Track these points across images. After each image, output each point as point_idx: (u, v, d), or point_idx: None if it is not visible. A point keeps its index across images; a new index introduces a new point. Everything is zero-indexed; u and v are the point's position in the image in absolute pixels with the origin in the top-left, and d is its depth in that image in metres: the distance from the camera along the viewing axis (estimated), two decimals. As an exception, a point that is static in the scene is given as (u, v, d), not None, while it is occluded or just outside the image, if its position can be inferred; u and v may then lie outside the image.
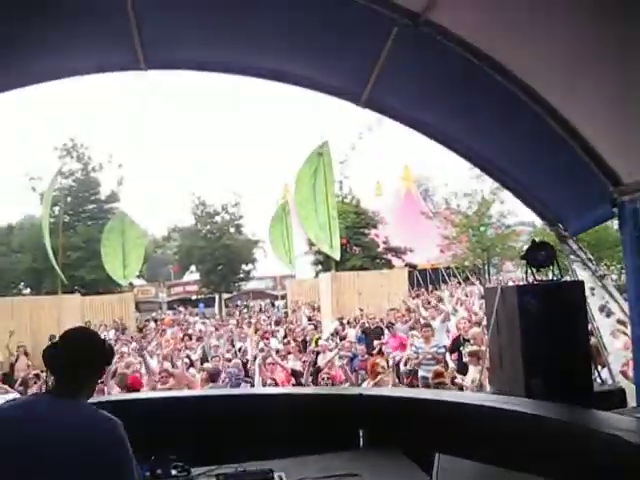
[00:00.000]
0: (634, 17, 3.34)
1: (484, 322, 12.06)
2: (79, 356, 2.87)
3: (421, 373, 12.43)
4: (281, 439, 4.24)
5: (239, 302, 52.35)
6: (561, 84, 4.35)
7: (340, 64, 5.57)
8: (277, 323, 22.95)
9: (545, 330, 4.71)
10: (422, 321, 15.12)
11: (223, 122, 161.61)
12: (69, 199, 39.24)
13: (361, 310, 18.27)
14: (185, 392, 8.92)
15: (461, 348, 12.51)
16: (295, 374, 11.76)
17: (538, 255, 5.33)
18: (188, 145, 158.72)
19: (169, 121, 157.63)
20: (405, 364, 12.82)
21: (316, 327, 20.21)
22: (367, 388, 6.50)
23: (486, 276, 50.51)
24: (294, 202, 23.74)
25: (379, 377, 10.49)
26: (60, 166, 41.27)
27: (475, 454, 3.44)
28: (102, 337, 3.27)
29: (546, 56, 4.08)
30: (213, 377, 10.93)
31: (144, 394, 7.93)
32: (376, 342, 14.74)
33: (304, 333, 19.21)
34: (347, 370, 12.18)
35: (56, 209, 33.03)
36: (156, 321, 33.50)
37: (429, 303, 20.61)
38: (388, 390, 6.48)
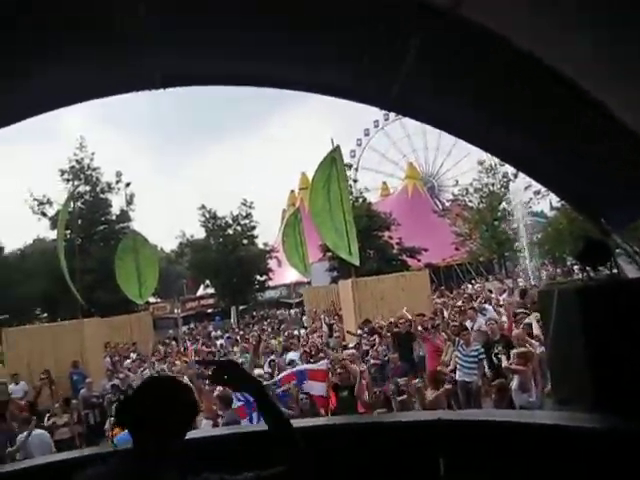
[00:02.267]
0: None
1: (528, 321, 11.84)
2: (162, 411, 2.45)
3: (461, 378, 12.17)
4: (350, 474, 3.98)
5: (254, 312, 52.15)
6: (605, 77, 4.08)
7: (365, 68, 5.30)
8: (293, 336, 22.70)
9: (614, 333, 4.43)
10: (452, 323, 14.87)
11: (228, 130, 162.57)
12: (80, 221, 39.08)
13: (382, 317, 17.89)
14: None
15: (493, 350, 12.23)
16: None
17: (595, 254, 5.05)
18: (196, 157, 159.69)
19: (176, 133, 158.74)
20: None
21: (340, 335, 20.02)
22: (446, 412, 6.22)
23: (502, 271, 50.34)
24: (309, 210, 23.47)
25: (443, 387, 10.26)
26: (73, 189, 41.33)
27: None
28: (184, 384, 2.90)
29: (594, 52, 3.80)
30: (226, 403, 10.62)
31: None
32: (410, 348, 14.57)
33: (326, 342, 19.05)
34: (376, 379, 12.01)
35: (67, 232, 32.95)
36: (175, 339, 33.34)
37: (454, 303, 20.28)
38: (469, 413, 6.18)
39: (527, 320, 11.96)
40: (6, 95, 4.19)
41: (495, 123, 5.61)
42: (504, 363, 10.54)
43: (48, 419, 13.73)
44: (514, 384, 9.65)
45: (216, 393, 11.59)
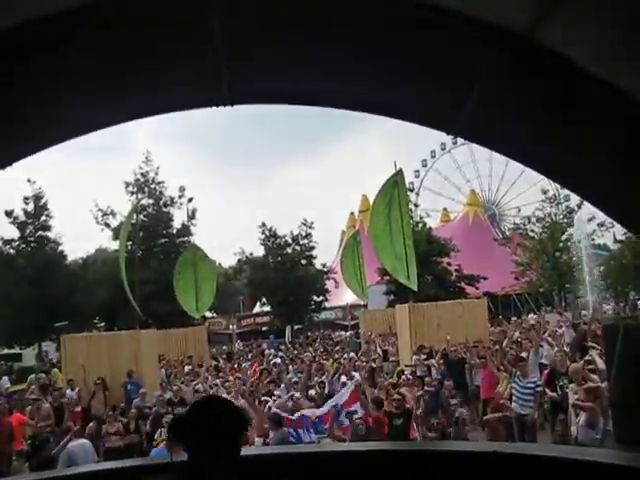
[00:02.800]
0: None
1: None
2: (211, 431, 2.52)
3: (517, 410, 11.90)
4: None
5: (309, 333, 52.08)
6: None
7: (435, 92, 5.20)
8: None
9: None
10: (509, 353, 14.62)
11: (291, 150, 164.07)
12: (141, 234, 39.70)
13: (445, 348, 17.56)
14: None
15: (557, 382, 11.97)
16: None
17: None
18: (258, 175, 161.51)
19: (239, 151, 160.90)
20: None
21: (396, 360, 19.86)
22: (503, 444, 6.05)
23: (562, 303, 49.39)
24: (369, 232, 23.39)
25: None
26: (137, 202, 42.07)
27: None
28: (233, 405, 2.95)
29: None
30: (276, 423, 10.56)
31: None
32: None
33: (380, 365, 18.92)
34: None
35: (129, 243, 33.44)
36: (229, 355, 33.44)
37: (512, 334, 19.94)
38: (524, 447, 6.02)
39: (588, 356, 11.69)
40: (90, 107, 4.25)
41: (566, 153, 5.46)
42: (571, 398, 10.29)
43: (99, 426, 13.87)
44: (581, 420, 9.41)
45: (267, 414, 11.62)
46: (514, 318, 35.14)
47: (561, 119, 4.69)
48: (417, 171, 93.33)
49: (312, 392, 14.64)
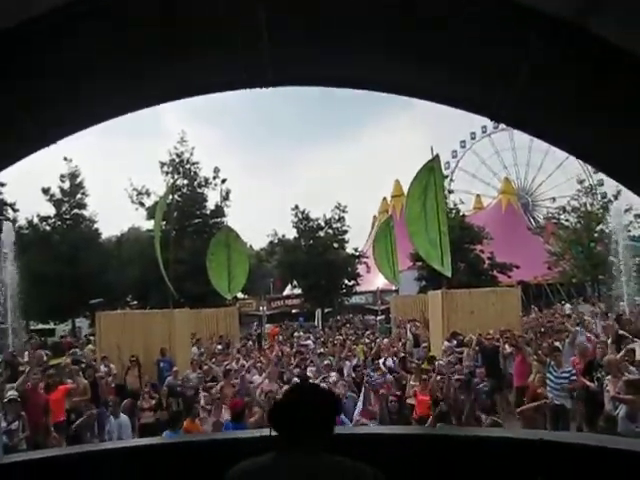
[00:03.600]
0: None
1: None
2: (308, 416, 2.75)
3: (551, 401, 11.81)
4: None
5: (339, 316, 52.10)
6: None
7: (477, 76, 5.14)
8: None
9: None
10: (544, 343, 14.51)
11: (325, 133, 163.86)
12: (175, 214, 39.95)
13: (480, 334, 17.43)
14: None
15: (595, 374, 11.85)
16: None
17: None
18: (293, 158, 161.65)
19: (274, 134, 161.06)
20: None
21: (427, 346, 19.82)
22: (547, 433, 6.03)
23: (595, 294, 48.85)
24: (405, 217, 23.27)
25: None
26: (172, 182, 42.31)
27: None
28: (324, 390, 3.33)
29: None
30: None
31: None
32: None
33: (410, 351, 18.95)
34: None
35: (163, 223, 33.65)
36: (260, 336, 33.59)
37: (548, 323, 19.80)
38: (571, 436, 6.00)
39: (630, 346, 11.55)
40: (133, 86, 4.27)
41: (611, 139, 5.38)
42: (611, 391, 10.19)
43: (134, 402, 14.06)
44: (622, 412, 9.32)
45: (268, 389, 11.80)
46: (546, 308, 34.92)
47: (599, 104, 4.63)
48: (455, 151, 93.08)
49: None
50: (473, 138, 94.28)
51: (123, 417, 12.46)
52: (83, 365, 16.79)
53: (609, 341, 13.70)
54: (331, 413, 2.87)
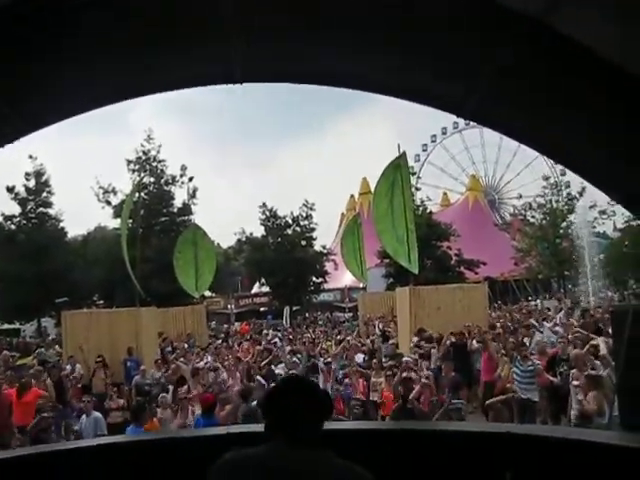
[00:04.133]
0: None
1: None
2: (305, 409, 2.68)
3: (517, 394, 11.96)
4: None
5: (307, 314, 52.16)
6: None
7: (446, 73, 5.18)
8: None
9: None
10: (511, 339, 14.65)
11: (292, 131, 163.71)
12: (142, 212, 39.64)
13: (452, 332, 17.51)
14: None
15: (558, 368, 12.04)
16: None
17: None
18: (260, 155, 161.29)
19: (240, 131, 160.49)
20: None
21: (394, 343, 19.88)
22: (515, 426, 6.08)
23: (561, 290, 49.48)
24: (372, 214, 23.35)
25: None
26: (140, 179, 42.01)
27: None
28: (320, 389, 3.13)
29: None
30: (245, 395, 10.72)
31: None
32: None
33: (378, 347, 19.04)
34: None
35: (130, 221, 33.41)
36: (228, 334, 33.48)
37: (512, 319, 20.00)
38: (538, 428, 6.06)
39: (594, 342, 11.71)
40: (86, 85, 4.22)
41: (578, 137, 5.44)
42: (574, 382, 10.35)
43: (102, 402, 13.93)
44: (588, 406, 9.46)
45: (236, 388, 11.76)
46: (512, 304, 35.27)
47: (568, 102, 4.69)
48: (425, 144, 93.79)
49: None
50: (444, 133, 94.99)
51: (96, 414, 12.30)
52: (49, 365, 16.61)
53: (570, 337, 13.88)
54: (325, 410, 2.80)
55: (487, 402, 11.68)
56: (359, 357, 16.59)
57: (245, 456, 2.60)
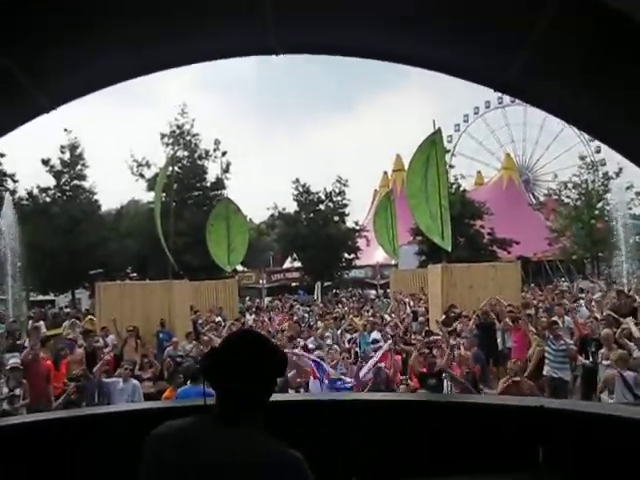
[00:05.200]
0: None
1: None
2: (245, 367, 2.28)
3: (549, 373, 11.91)
4: (447, 455, 3.90)
5: (338, 290, 52.20)
6: None
7: (482, 45, 5.06)
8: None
9: None
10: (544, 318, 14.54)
11: (329, 107, 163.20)
12: (175, 186, 39.82)
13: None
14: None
15: (589, 349, 11.96)
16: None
17: None
18: (295, 131, 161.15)
19: (276, 106, 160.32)
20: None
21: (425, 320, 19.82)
22: (549, 400, 6.06)
23: (595, 271, 48.92)
24: (406, 190, 23.19)
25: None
26: (173, 153, 42.17)
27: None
28: (272, 342, 2.63)
29: None
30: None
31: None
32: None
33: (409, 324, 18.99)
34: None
35: (163, 195, 33.58)
36: (258, 308, 33.62)
37: (546, 299, 19.82)
38: (572, 403, 6.02)
39: (624, 325, 11.60)
40: (120, 55, 4.20)
41: (614, 113, 5.32)
42: (604, 362, 10.33)
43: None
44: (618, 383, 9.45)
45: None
46: (545, 285, 34.99)
47: (607, 77, 4.58)
48: (450, 136, 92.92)
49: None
50: (466, 121, 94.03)
51: (134, 381, 12.36)
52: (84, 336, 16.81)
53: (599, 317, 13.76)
54: (272, 373, 2.40)
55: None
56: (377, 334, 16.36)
57: (168, 431, 2.29)
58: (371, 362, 11.89)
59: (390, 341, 13.92)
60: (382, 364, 11.85)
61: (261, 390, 2.37)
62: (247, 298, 42.86)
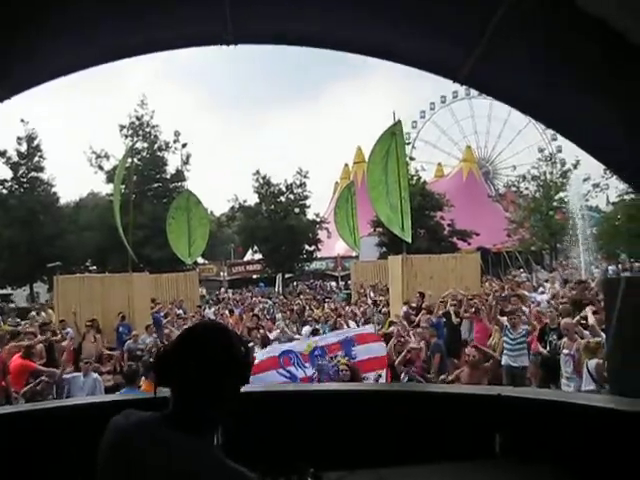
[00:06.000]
0: None
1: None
2: (206, 364, 2.02)
3: (507, 362, 12.04)
4: (406, 443, 3.92)
5: (299, 282, 52.32)
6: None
7: (443, 37, 5.08)
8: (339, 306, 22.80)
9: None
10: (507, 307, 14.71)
11: (288, 99, 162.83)
12: (135, 178, 39.41)
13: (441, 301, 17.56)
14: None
15: (547, 337, 12.11)
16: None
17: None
18: (254, 123, 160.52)
19: (235, 97, 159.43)
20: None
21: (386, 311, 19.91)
22: (506, 388, 6.12)
23: (553, 262, 49.59)
24: (366, 182, 23.30)
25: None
26: (132, 144, 41.75)
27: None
28: (237, 335, 2.30)
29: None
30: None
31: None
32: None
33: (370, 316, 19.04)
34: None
35: (122, 187, 33.25)
36: (219, 300, 33.51)
37: (503, 289, 20.01)
38: (530, 391, 6.10)
39: (584, 313, 11.77)
40: (77, 43, 4.13)
41: (576, 103, 5.37)
42: (564, 351, 10.50)
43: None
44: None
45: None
46: (504, 276, 35.43)
47: (566, 69, 4.62)
48: (414, 122, 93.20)
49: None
50: (432, 109, 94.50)
51: (95, 375, 12.20)
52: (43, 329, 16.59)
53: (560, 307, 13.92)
54: (227, 366, 2.05)
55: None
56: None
57: (124, 423, 2.05)
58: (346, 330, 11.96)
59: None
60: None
61: (218, 392, 2.05)
62: (204, 290, 42.74)
